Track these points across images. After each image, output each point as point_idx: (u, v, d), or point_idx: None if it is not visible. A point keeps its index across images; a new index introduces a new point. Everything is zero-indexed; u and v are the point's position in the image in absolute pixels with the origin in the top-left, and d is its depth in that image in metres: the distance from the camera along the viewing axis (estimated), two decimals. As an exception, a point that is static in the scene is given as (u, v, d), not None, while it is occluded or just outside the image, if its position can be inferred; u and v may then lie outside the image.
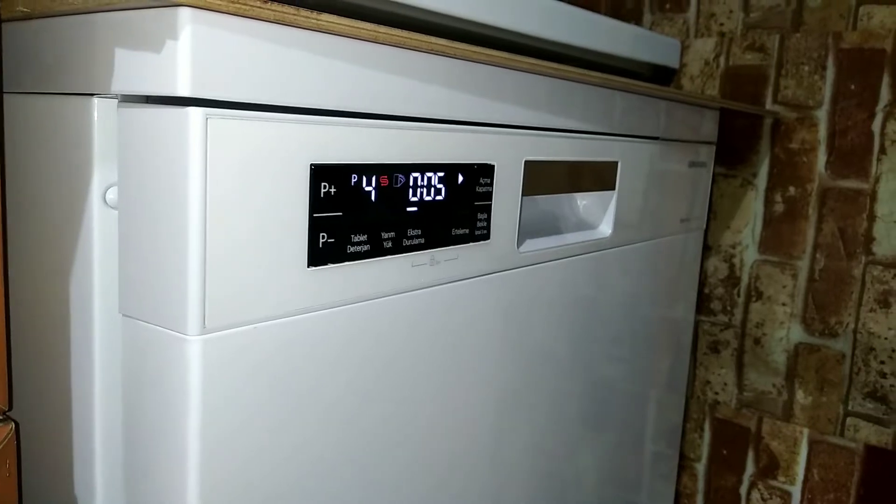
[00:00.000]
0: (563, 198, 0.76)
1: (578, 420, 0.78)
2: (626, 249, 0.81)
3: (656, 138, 0.83)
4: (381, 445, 0.52)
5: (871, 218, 0.97)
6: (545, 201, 0.74)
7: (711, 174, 1.04)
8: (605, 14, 1.16)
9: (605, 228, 0.77)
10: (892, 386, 0.97)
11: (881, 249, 0.96)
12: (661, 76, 1.07)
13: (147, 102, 0.40)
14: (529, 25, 0.69)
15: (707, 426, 1.14)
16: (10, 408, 0.39)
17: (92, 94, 0.41)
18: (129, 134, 0.40)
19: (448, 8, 0.59)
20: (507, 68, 0.58)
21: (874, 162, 0.96)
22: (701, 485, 1.15)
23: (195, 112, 0.37)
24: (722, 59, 1.07)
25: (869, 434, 0.99)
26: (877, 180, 0.96)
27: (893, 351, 0.96)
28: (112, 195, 0.42)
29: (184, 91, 0.37)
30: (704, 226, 1.05)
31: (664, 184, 0.87)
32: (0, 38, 0.38)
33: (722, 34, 1.07)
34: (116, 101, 0.41)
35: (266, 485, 0.44)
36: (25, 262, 0.46)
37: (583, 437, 0.80)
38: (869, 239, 0.97)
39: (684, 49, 1.10)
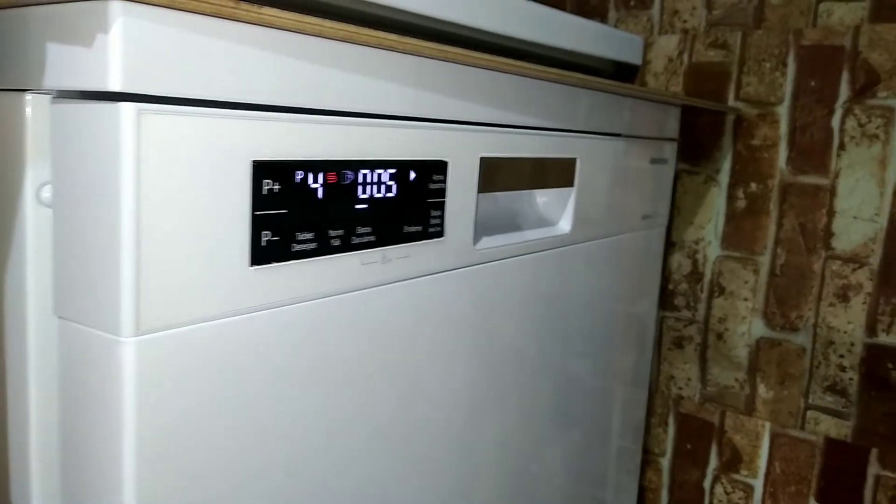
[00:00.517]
0: (522, 194, 0.76)
1: (542, 417, 0.78)
2: (586, 246, 0.81)
3: (618, 135, 0.83)
4: (327, 448, 0.52)
5: (831, 213, 0.98)
6: (504, 198, 0.74)
7: (674, 170, 1.04)
8: (571, 11, 1.16)
9: (565, 225, 0.76)
10: (850, 379, 0.98)
11: (840, 244, 0.97)
12: (623, 73, 1.07)
13: (82, 98, 0.39)
14: (489, 22, 0.68)
15: (671, 421, 1.14)
16: (-61, 413, 0.38)
17: (25, 90, 0.40)
18: (62, 130, 0.39)
19: (407, 4, 0.59)
20: (462, 64, 0.57)
21: (834, 158, 0.97)
22: (665, 479, 1.16)
23: (127, 107, 0.36)
24: (685, 56, 1.07)
25: (829, 427, 1.01)
26: (836, 176, 0.97)
27: (852, 345, 0.98)
28: (46, 193, 0.41)
29: (115, 86, 0.36)
30: (667, 222, 1.06)
31: (625, 180, 0.87)
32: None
33: (685, 31, 1.07)
34: (50, 97, 0.40)
35: (204, 490, 0.43)
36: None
37: (547, 434, 0.80)
38: (828, 234, 0.98)
39: (648, 46, 1.10)
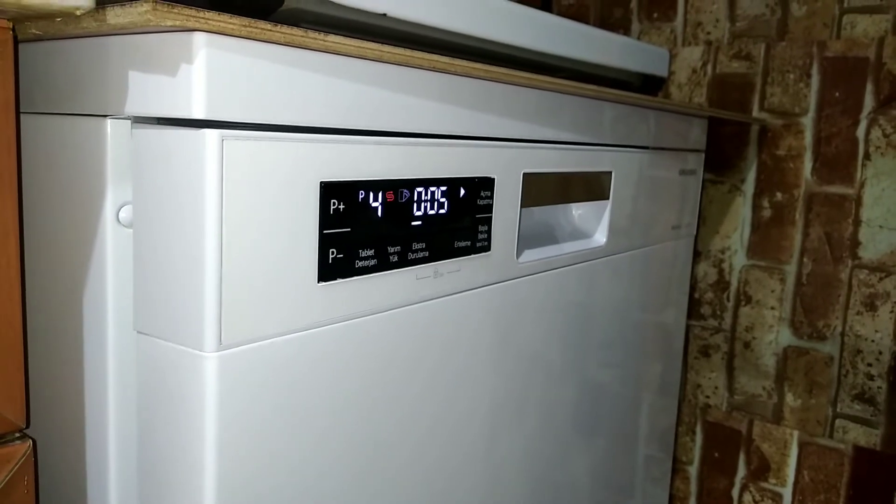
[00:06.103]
0: (558, 208, 0.78)
1: (576, 425, 0.80)
2: (620, 257, 0.82)
3: (646, 147, 0.85)
4: (389, 454, 0.53)
5: (857, 223, 0.99)
6: (541, 212, 0.75)
7: (701, 181, 1.06)
8: (594, 24, 1.17)
9: (600, 237, 0.78)
10: (879, 388, 0.99)
11: (867, 253, 0.98)
12: (650, 85, 1.09)
13: (159, 124, 0.40)
14: (522, 38, 0.70)
15: (699, 429, 1.15)
16: (28, 425, 0.40)
17: (105, 116, 0.42)
18: (143, 155, 0.41)
19: (442, 23, 0.60)
20: (506, 83, 0.59)
21: (859, 168, 0.98)
22: (693, 488, 1.17)
23: (211, 134, 0.38)
24: (709, 67, 1.09)
25: (857, 435, 1.01)
26: (861, 186, 0.98)
27: (880, 353, 0.98)
28: (125, 214, 0.42)
29: (199, 113, 0.37)
30: (695, 232, 1.07)
31: (656, 192, 0.88)
32: (17, 61, 0.39)
33: (709, 43, 1.09)
34: (129, 121, 0.42)
35: (282, 498, 0.45)
36: (40, 279, 0.47)
37: (580, 442, 0.81)
38: (855, 243, 0.99)
39: (672, 57, 1.12)
